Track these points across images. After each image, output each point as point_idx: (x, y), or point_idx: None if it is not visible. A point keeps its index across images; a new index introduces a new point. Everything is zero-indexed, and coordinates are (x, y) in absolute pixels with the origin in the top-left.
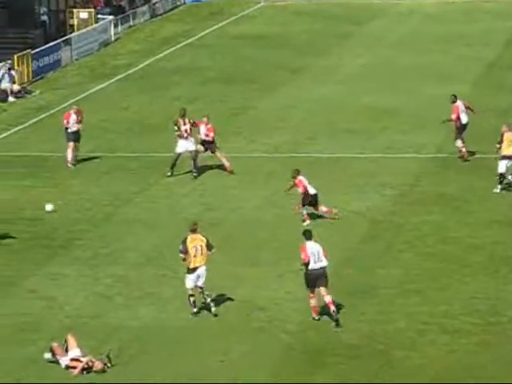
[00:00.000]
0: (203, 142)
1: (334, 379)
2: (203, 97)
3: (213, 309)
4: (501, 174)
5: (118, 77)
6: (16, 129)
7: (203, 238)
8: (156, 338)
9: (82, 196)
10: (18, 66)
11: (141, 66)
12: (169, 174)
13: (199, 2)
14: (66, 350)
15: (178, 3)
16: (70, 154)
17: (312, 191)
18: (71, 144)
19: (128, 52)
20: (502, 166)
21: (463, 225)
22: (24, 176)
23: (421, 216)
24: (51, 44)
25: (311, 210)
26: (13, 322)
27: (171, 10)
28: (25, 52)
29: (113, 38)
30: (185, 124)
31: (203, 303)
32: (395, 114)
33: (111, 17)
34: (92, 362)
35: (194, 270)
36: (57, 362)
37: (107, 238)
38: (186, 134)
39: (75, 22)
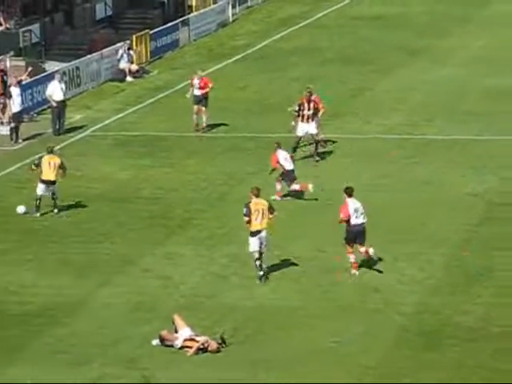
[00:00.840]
0: None
1: (448, 362)
2: (321, 77)
3: (260, 272)
4: None
5: (236, 57)
6: (134, 108)
7: (265, 202)
8: (271, 318)
9: (198, 176)
10: (137, 46)
11: (258, 46)
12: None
13: None
14: (176, 331)
15: None
16: (194, 118)
17: (288, 167)
18: (194, 107)
19: (246, 33)
20: None
21: None
22: (141, 155)
23: None
24: (169, 24)
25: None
26: (128, 301)
27: None
28: (143, 32)
29: (230, 19)
30: (309, 108)
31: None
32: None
33: None
34: (208, 342)
35: (257, 233)
36: (170, 347)
37: (223, 217)
38: (307, 117)
39: (193, 2)
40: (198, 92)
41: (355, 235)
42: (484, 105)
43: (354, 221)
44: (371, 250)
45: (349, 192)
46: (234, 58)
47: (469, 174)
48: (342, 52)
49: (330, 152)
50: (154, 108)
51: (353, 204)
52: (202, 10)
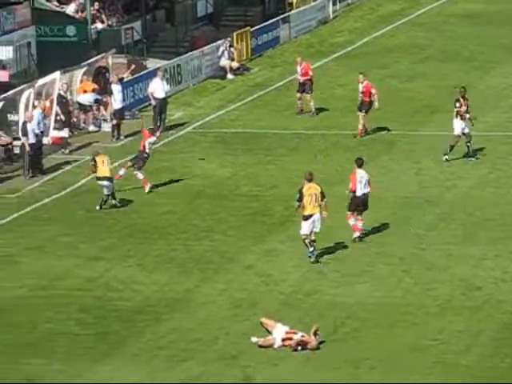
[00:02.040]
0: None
1: None
2: (422, 75)
3: (312, 258)
4: None
5: (337, 54)
6: (234, 106)
7: (318, 187)
8: (371, 316)
9: (298, 173)
10: (238, 43)
11: (359, 43)
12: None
13: None
14: (269, 333)
15: None
16: (298, 103)
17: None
18: (297, 94)
19: (346, 30)
20: None
21: None
22: (242, 152)
23: None
24: (270, 22)
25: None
26: (229, 298)
27: None
28: (244, 30)
29: (331, 16)
30: (465, 105)
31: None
32: None
33: None
34: (306, 338)
35: (309, 217)
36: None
37: None
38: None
39: None
40: (300, 79)
41: (357, 205)
42: None
43: (358, 192)
44: (360, 224)
45: (359, 163)
46: (334, 56)
47: None
48: (442, 49)
49: (432, 148)
50: (255, 105)
51: (359, 175)
52: (302, 8)
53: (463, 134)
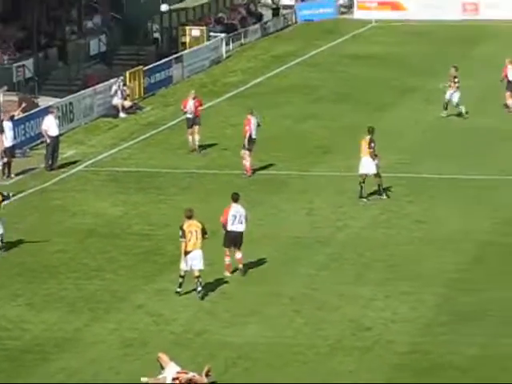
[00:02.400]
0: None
1: None
2: (314, 115)
3: (199, 294)
4: None
5: (229, 94)
6: (126, 144)
7: (199, 224)
8: (262, 356)
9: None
10: (130, 82)
11: (252, 83)
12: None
13: (311, 21)
14: (162, 368)
15: (290, 22)
16: (189, 140)
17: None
18: (189, 130)
19: (239, 70)
20: None
21: None
22: (134, 191)
23: None
24: (163, 61)
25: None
26: (120, 337)
27: (283, 28)
28: (137, 68)
29: (224, 56)
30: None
31: (194, 289)
32: (507, 136)
33: (223, 35)
34: (196, 377)
35: (189, 253)
36: None
37: (216, 254)
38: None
39: (187, 39)
40: (190, 115)
41: (230, 241)
42: (476, 144)
43: (230, 227)
44: (239, 254)
45: (235, 198)
46: (226, 95)
47: (461, 213)
48: (334, 90)
49: (324, 188)
50: (147, 144)
51: (234, 210)
52: (195, 47)
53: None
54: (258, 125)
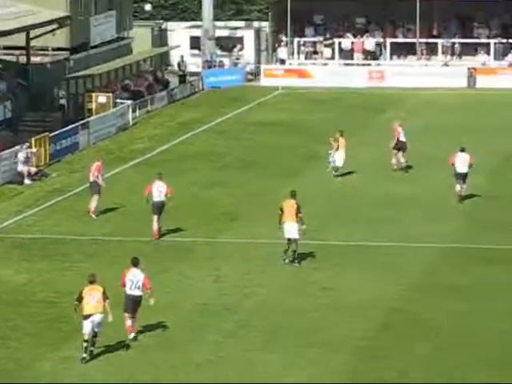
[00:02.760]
0: None
1: None
2: (221, 182)
3: (84, 354)
4: None
5: (136, 161)
6: (31, 211)
7: (100, 288)
8: None
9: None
10: (36, 148)
11: (158, 150)
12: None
13: (218, 88)
14: None
15: (197, 89)
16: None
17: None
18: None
19: (146, 136)
20: None
21: (481, 316)
22: (38, 259)
23: (434, 305)
24: (69, 127)
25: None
26: None
27: (189, 95)
28: (43, 135)
29: (131, 123)
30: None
31: (91, 351)
32: (413, 203)
33: (129, 101)
34: None
35: (89, 316)
36: None
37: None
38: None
39: (93, 106)
40: (92, 178)
41: (127, 304)
42: (382, 210)
43: (128, 291)
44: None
45: (134, 262)
46: (133, 162)
47: (368, 280)
48: (240, 157)
49: (231, 255)
50: (53, 211)
51: (132, 274)
52: (102, 114)
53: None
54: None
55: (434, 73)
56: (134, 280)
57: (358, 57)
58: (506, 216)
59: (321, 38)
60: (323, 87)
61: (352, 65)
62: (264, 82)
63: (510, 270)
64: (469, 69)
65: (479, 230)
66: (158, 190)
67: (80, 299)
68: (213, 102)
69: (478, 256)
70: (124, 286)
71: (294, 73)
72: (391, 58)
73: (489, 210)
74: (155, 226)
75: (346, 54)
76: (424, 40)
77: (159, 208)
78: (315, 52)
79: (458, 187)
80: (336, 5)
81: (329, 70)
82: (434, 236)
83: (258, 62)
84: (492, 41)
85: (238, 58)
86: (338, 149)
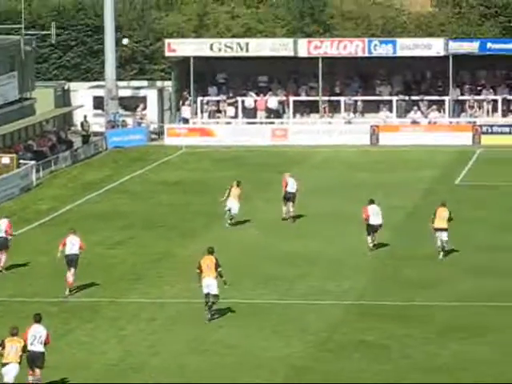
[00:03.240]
0: None
1: None
2: (125, 242)
3: None
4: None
5: (40, 221)
6: None
7: (21, 340)
8: None
9: None
10: None
11: (62, 210)
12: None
13: (121, 148)
14: None
15: (100, 149)
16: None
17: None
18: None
19: (49, 197)
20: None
21: (382, 372)
22: None
23: (341, 362)
24: None
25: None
26: None
27: (93, 155)
28: None
29: (34, 183)
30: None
31: None
32: (315, 261)
33: (33, 162)
34: None
35: (6, 364)
36: None
37: None
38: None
39: None
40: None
41: (31, 360)
42: (283, 268)
43: (29, 347)
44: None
45: (36, 318)
46: (37, 223)
47: (272, 338)
48: (144, 217)
49: (136, 315)
50: None
51: (34, 330)
52: (5, 175)
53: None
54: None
55: (337, 130)
56: (37, 336)
57: (261, 115)
58: (408, 272)
59: (224, 97)
60: (227, 146)
61: (255, 123)
62: (168, 141)
63: (412, 326)
64: (371, 126)
65: (382, 287)
66: (71, 243)
67: (3, 347)
68: (116, 162)
69: (382, 313)
70: (26, 342)
71: (198, 132)
72: (294, 116)
73: (392, 266)
74: (69, 278)
75: (249, 113)
76: (326, 98)
77: (72, 261)
78: (218, 111)
79: (369, 239)
80: (238, 64)
81: (232, 128)
82: (336, 293)
83: (162, 121)
84: (394, 98)
85: (141, 118)
86: (228, 196)
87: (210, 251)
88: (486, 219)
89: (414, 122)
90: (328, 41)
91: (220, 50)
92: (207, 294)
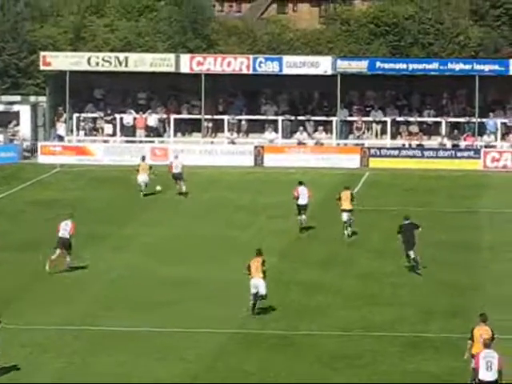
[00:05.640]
0: None
1: None
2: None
3: None
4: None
5: None
6: None
7: None
8: None
9: None
10: None
11: None
12: None
13: None
14: None
15: None
16: None
17: None
18: None
19: None
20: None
21: None
22: None
23: None
24: None
25: None
26: None
27: None
28: None
29: None
30: None
31: None
32: (195, 286)
33: None
34: None
35: None
36: None
37: None
38: None
39: None
40: None
41: None
42: (162, 294)
43: None
44: None
45: None
46: None
47: (151, 365)
48: (18, 237)
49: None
50: None
51: None
52: None
53: None
54: None
55: (220, 151)
56: None
57: (140, 133)
58: (293, 299)
59: (101, 114)
60: (104, 165)
61: (134, 142)
62: (41, 159)
63: (295, 355)
64: (256, 147)
65: (266, 314)
66: (64, 228)
67: None
68: None
69: (264, 341)
70: None
71: (73, 150)
72: (175, 134)
73: (277, 293)
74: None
75: (128, 131)
76: (209, 117)
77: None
78: (95, 128)
79: (299, 218)
80: (117, 80)
81: (110, 146)
82: (218, 320)
83: (35, 138)
84: (280, 118)
85: (13, 134)
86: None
87: (258, 253)
88: (367, 244)
89: (300, 143)
90: (211, 57)
91: (98, 64)
92: (255, 294)
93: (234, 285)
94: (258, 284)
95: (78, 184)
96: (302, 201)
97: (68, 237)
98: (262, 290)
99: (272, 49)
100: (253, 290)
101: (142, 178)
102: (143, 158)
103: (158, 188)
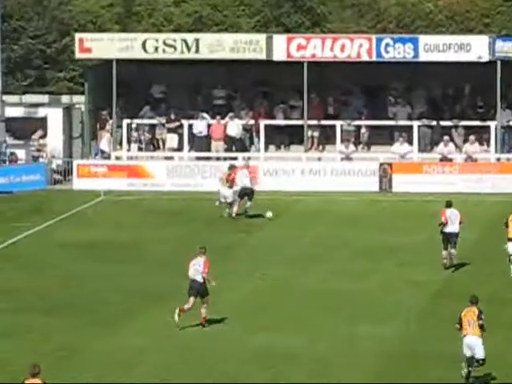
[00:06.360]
0: None
1: None
2: (21, 327)
3: None
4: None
5: None
6: None
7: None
8: None
9: None
10: None
11: None
12: None
13: (8, 193)
14: None
15: None
16: None
17: None
18: None
19: None
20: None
21: None
22: None
23: None
24: None
25: None
26: None
27: None
28: None
29: None
30: None
31: None
32: (295, 359)
33: None
34: None
35: None
36: None
37: None
38: None
39: None
40: None
41: None
42: (253, 371)
43: None
44: None
45: None
46: None
47: None
48: (45, 295)
49: None
50: None
51: None
52: None
53: None
54: None
55: (330, 170)
56: None
57: (217, 146)
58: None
59: (162, 120)
60: (167, 191)
61: (209, 158)
62: (78, 184)
63: None
64: (381, 164)
65: None
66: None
67: None
68: (1, 216)
69: None
70: None
71: (124, 170)
72: (266, 148)
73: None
74: None
75: (201, 143)
76: (315, 122)
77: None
78: (154, 140)
79: (444, 253)
80: (184, 72)
81: (175, 165)
82: None
83: (70, 155)
84: (415, 123)
85: (38, 150)
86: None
87: (473, 301)
88: None
89: (445, 159)
90: (318, 38)
91: (157, 49)
92: (471, 358)
93: (343, 356)
94: (474, 344)
95: (129, 218)
96: (452, 228)
97: (202, 281)
98: (480, 353)
99: (404, 26)
100: (467, 353)
101: (228, 191)
102: (231, 167)
103: (269, 214)
